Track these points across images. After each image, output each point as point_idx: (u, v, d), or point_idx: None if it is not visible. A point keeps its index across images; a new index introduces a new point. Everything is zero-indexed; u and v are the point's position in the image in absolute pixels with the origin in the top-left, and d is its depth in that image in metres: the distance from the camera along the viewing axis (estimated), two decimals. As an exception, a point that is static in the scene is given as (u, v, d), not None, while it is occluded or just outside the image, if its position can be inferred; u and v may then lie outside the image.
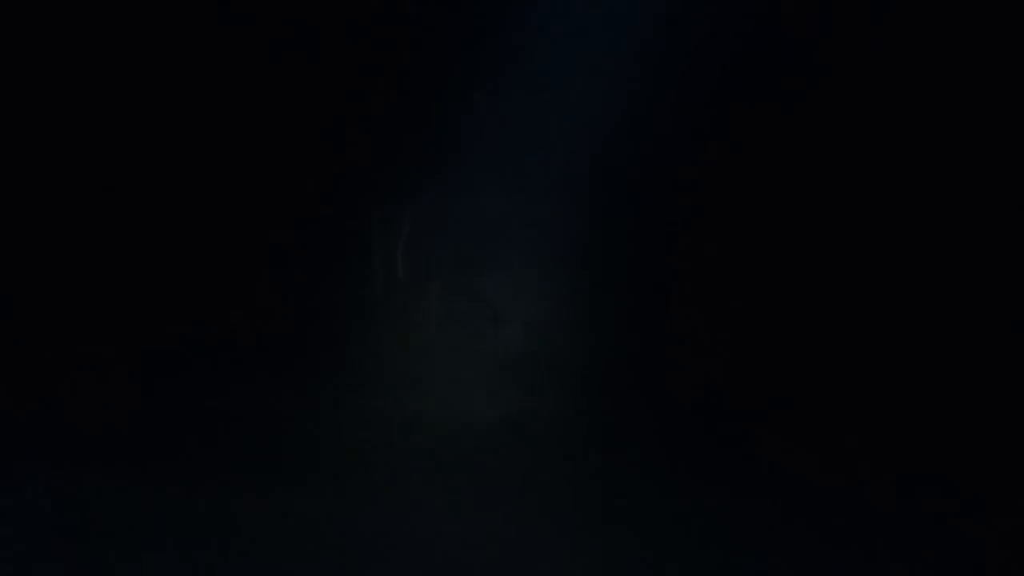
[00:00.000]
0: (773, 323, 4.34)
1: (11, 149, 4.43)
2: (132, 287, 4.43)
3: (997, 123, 4.19)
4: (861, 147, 4.30)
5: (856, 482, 3.93)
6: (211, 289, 4.44)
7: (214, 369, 4.32)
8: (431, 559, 3.59)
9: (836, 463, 4.01)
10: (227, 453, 4.03)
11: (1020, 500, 3.85)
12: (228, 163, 4.45)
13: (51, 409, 4.19)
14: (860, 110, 4.29)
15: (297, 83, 4.43)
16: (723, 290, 4.38)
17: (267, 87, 4.43)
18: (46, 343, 4.39)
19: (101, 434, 4.07)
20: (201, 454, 4.01)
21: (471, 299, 4.47)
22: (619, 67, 4.36)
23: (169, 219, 4.45)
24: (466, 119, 4.43)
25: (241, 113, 4.44)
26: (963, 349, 4.20)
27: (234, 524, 3.70)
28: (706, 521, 3.78)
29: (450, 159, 4.44)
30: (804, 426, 4.16)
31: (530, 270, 4.47)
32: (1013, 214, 4.18)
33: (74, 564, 3.54)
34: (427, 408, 4.26)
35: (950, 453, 4.03)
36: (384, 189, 4.50)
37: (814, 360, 4.29)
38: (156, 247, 4.45)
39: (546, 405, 4.28)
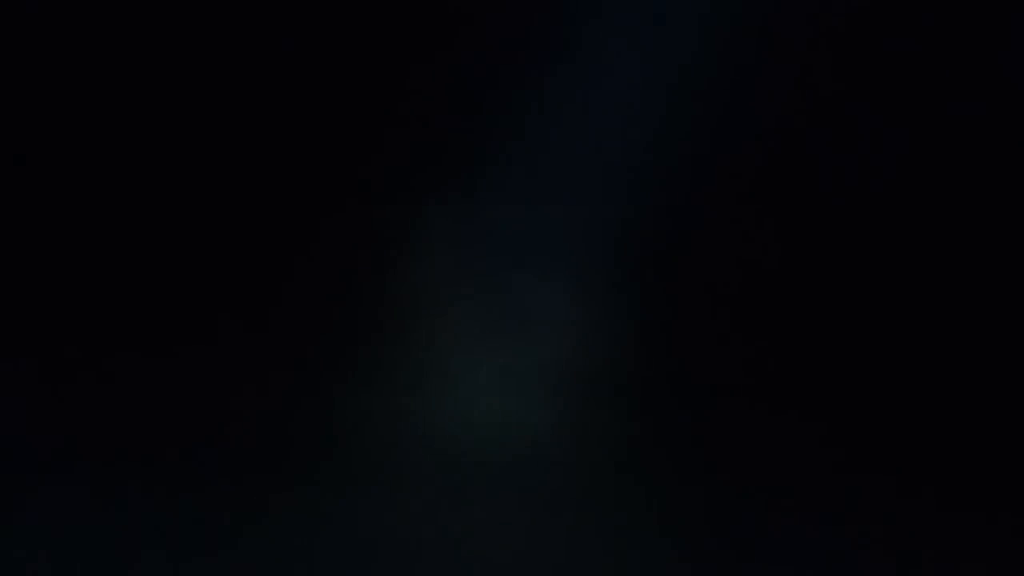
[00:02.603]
0: (829, 335, 4.23)
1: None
2: (142, 284, 4.38)
3: None
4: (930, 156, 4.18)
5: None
6: (230, 289, 4.39)
7: (231, 368, 4.30)
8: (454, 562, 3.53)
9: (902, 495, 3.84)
10: (243, 454, 4.00)
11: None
12: (253, 162, 4.42)
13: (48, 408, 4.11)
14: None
15: (327, 81, 4.42)
16: (780, 301, 4.29)
17: (296, 83, 4.42)
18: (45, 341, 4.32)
19: (106, 432, 4.01)
20: (220, 455, 3.98)
21: (505, 305, 4.40)
22: (659, 71, 4.33)
23: (183, 217, 4.40)
24: (506, 121, 4.42)
25: (267, 111, 4.41)
26: None
27: (254, 526, 3.65)
28: (755, 538, 3.67)
29: (487, 161, 4.44)
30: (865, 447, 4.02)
31: (567, 277, 4.43)
32: None
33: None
34: (456, 414, 4.22)
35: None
36: (418, 191, 4.47)
37: (884, 381, 4.16)
38: (167, 246, 4.40)
39: (582, 415, 4.22)
